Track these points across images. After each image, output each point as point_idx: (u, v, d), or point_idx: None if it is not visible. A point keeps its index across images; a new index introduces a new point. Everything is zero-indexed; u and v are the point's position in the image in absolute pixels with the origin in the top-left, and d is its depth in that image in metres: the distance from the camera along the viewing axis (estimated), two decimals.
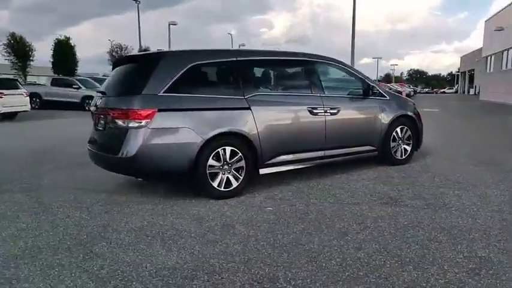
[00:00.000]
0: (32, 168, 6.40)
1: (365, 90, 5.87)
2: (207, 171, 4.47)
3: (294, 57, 5.49)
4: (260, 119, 4.76)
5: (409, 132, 6.34)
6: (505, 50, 27.77)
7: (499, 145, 8.57)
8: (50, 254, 3.19)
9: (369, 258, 3.08)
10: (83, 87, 20.66)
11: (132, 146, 4.19)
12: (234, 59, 4.84)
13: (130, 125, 4.21)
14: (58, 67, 34.99)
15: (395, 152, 6.22)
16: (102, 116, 4.69)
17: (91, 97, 20.18)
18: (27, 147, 8.62)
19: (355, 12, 25.87)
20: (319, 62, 5.59)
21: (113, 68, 5.22)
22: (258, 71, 5.24)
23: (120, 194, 4.86)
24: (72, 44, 37.32)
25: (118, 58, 4.96)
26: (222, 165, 4.56)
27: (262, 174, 4.94)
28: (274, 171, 5.04)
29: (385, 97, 6.10)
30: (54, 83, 21.53)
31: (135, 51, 44.46)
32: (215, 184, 4.53)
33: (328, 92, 5.51)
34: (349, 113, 5.63)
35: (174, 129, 4.34)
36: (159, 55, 4.50)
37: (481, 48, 36.52)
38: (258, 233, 3.58)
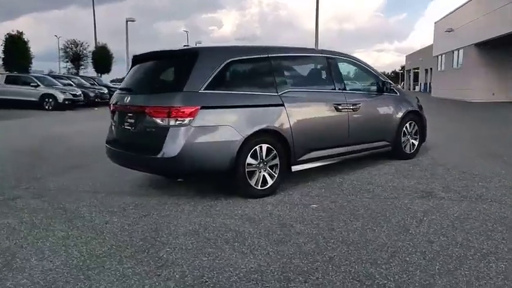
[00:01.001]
0: (28, 172, 5.93)
1: (380, 86, 5.94)
2: (246, 170, 4.33)
3: (319, 54, 5.46)
4: (292, 115, 4.68)
5: (416, 127, 6.49)
6: (456, 49, 29.27)
7: (481, 136, 8.99)
8: (116, 263, 2.94)
9: (447, 250, 3.09)
10: (42, 85, 19.53)
11: (175, 145, 3.97)
12: (266, 55, 4.72)
13: (172, 123, 3.98)
14: (10, 64, 32.73)
15: (405, 146, 6.35)
16: (130, 114, 4.42)
17: (52, 96, 19.20)
18: (8, 148, 8.01)
19: (318, 12, 26.27)
20: (339, 59, 5.59)
21: (133, 64, 4.93)
22: (288, 68, 5.14)
23: (143, 196, 4.61)
24: (26, 40, 35.06)
25: (142, 54, 4.58)
26: (259, 164, 4.44)
27: (292, 172, 4.86)
28: (305, 168, 4.98)
29: (396, 93, 6.21)
30: (9, 80, 20.18)
31: (91, 47, 42.64)
32: (252, 183, 4.40)
33: (348, 88, 5.53)
34: (368, 109, 5.67)
35: (216, 127, 4.16)
36: (197, 51, 4.28)
37: (425, 47, 38.30)
38: (321, 231, 3.49)
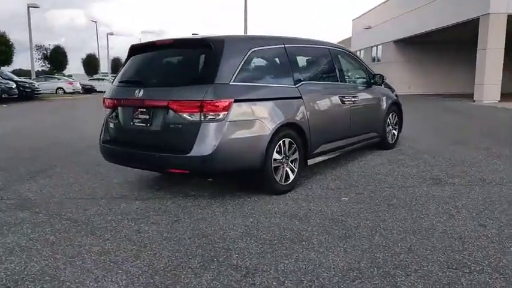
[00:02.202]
0: (13, 174, 5.14)
1: (370, 78, 6.04)
2: (272, 165, 4.13)
3: (324, 46, 5.38)
4: (309, 108, 4.57)
5: (396, 118, 6.73)
6: (374, 46, 31.18)
7: (429, 126, 9.63)
8: (193, 276, 2.60)
9: (503, 231, 3.19)
10: None
11: (209, 143, 3.64)
12: (282, 45, 4.53)
13: (204, 118, 3.65)
14: None
15: (388, 137, 6.55)
16: (143, 110, 3.98)
17: None
18: None
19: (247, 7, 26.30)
20: (339, 51, 5.58)
21: (132, 54, 4.44)
22: (301, 59, 4.98)
23: (152, 199, 4.20)
24: None
25: (145, 43, 4.08)
26: (282, 158, 4.26)
27: (308, 166, 4.76)
28: (318, 161, 4.90)
29: (381, 85, 6.36)
30: None
31: None
32: (278, 178, 4.22)
33: (348, 81, 5.56)
34: (363, 101, 5.73)
35: (247, 122, 3.89)
36: (223, 39, 3.94)
37: (343, 40, 40.34)
38: (375, 223, 3.42)
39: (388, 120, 6.46)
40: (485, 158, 5.86)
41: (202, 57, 3.95)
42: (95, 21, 59.34)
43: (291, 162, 4.39)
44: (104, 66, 59.14)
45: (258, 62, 4.27)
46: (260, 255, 2.87)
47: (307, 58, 5.20)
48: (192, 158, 3.65)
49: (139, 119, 4.03)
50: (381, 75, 6.03)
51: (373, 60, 31.61)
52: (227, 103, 3.69)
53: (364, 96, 5.79)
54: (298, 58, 4.82)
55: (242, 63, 3.93)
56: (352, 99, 5.38)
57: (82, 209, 3.95)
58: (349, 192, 4.32)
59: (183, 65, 4.18)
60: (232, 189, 4.42)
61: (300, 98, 4.45)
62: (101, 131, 4.57)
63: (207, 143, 3.64)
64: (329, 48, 5.38)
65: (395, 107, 6.66)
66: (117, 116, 4.29)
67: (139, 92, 3.98)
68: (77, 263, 2.81)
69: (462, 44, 23.18)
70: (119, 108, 4.25)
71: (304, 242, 3.07)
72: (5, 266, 2.78)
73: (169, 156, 3.79)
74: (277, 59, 4.52)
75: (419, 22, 22.10)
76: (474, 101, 17.41)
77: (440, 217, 3.53)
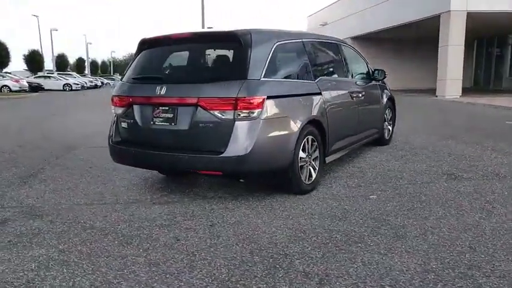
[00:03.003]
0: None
1: (370, 74, 6.02)
2: (299, 164, 4.00)
3: (334, 41, 5.28)
4: (327, 104, 4.47)
5: (391, 113, 6.78)
6: None
7: (408, 119, 9.86)
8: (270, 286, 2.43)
9: None
10: None
11: (244, 142, 3.44)
12: (300, 40, 4.39)
13: (239, 116, 3.45)
14: None
15: (385, 133, 6.60)
16: (165, 108, 3.71)
17: None
18: None
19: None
20: (346, 46, 5.52)
21: (143, 48, 4.14)
22: (317, 54, 4.84)
23: (172, 203, 3.95)
24: None
25: (159, 37, 3.78)
26: (306, 157, 4.14)
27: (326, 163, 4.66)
28: (333, 159, 4.82)
29: (379, 81, 6.37)
30: None
31: None
32: (303, 178, 4.09)
33: (354, 76, 5.51)
34: (367, 97, 5.70)
35: (279, 120, 3.73)
36: (249, 32, 3.73)
37: None
38: (421, 221, 3.36)
39: (385, 116, 6.50)
40: (483, 152, 6.02)
41: (230, 51, 3.75)
42: (36, 16, 55.73)
43: (313, 160, 4.27)
44: (49, 64, 56.31)
45: (281, 56, 4.10)
46: (323, 259, 2.73)
47: (321, 53, 5.09)
48: (227, 159, 3.45)
49: (160, 118, 3.75)
50: (382, 70, 6.03)
51: None
52: (261, 100, 3.51)
53: (367, 91, 5.77)
54: (315, 53, 4.70)
55: (269, 57, 3.76)
56: (359, 95, 5.35)
57: (101, 216, 3.65)
58: (373, 190, 4.27)
59: (209, 59, 3.95)
60: (251, 190, 4.24)
61: (320, 93, 4.34)
62: (110, 132, 4.25)
63: (242, 143, 3.45)
64: (337, 43, 5.31)
65: (391, 102, 6.71)
66: (131, 115, 3.98)
67: (161, 89, 3.70)
68: (129, 276, 2.56)
69: (421, 41, 24.06)
70: (134, 106, 3.94)
71: (360, 244, 2.96)
72: (49, 282, 2.48)
73: (200, 157, 3.56)
74: (297, 54, 4.38)
75: (379, 19, 22.68)
76: (437, 96, 18.10)
77: (480, 213, 3.54)
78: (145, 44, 4.18)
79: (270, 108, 3.60)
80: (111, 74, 76.05)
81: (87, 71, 69.52)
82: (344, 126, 4.93)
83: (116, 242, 3.07)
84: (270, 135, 3.61)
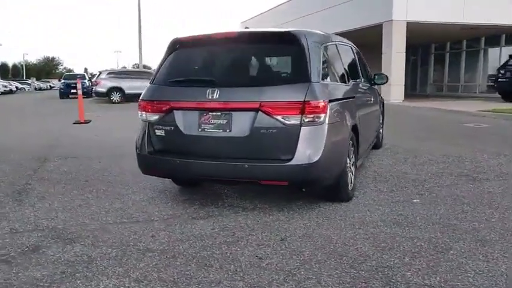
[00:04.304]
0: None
1: (371, 78, 6.07)
2: (346, 170, 3.88)
3: (350, 44, 5.21)
4: (358, 108, 4.41)
5: (381, 117, 6.91)
6: None
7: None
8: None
9: None
10: None
11: (313, 148, 3.25)
12: (334, 42, 4.27)
13: (305, 121, 3.24)
14: None
15: (380, 136, 6.70)
16: (218, 114, 3.40)
17: None
18: None
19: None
20: (357, 50, 5.48)
21: (179, 48, 3.77)
22: (344, 57, 4.73)
23: (199, 219, 3.66)
24: None
25: (209, 35, 3.40)
26: (349, 162, 4.04)
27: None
28: (359, 164, 4.75)
29: (375, 86, 6.45)
30: None
31: None
32: (348, 184, 3.98)
33: (364, 80, 5.51)
34: (373, 101, 5.74)
35: (337, 124, 3.57)
36: (304, 33, 3.51)
37: None
38: (485, 225, 3.37)
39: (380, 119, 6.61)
40: (475, 154, 6.29)
41: (286, 52, 3.53)
42: None
43: (352, 165, 4.18)
44: None
45: (327, 58, 3.95)
46: (432, 270, 2.62)
47: (346, 56, 5.01)
48: (295, 167, 3.22)
49: (211, 124, 3.43)
50: (385, 75, 6.11)
51: None
52: (325, 104, 3.34)
53: (373, 95, 5.81)
54: (343, 56, 4.62)
55: (321, 59, 3.61)
56: (371, 99, 5.38)
57: (148, 236, 3.25)
58: (410, 194, 4.26)
59: (265, 61, 3.69)
60: (288, 199, 4.02)
61: (354, 97, 4.27)
62: (141, 141, 3.81)
63: (310, 149, 3.25)
64: (351, 46, 5.27)
65: (382, 106, 6.84)
66: (171, 122, 3.59)
67: (213, 93, 3.38)
68: None
69: (362, 48, 25.05)
70: (176, 112, 3.56)
71: (452, 251, 2.89)
72: None
73: (263, 165, 3.29)
74: (336, 56, 4.26)
75: (321, 26, 23.32)
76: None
77: None
78: (177, 44, 3.81)
79: (331, 112, 3.44)
80: (24, 78, 70.40)
81: None
82: (366, 130, 4.90)
83: (194, 266, 2.73)
84: (333, 140, 3.45)
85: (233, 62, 3.78)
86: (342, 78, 4.21)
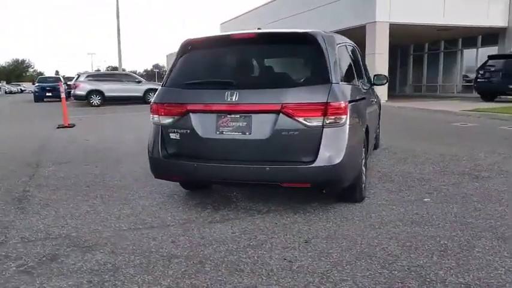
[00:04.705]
0: None
1: (370, 78, 6.10)
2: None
3: (354, 45, 5.22)
4: (367, 110, 4.43)
5: (379, 117, 6.97)
6: None
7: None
8: None
9: None
10: None
11: (336, 150, 3.23)
12: (344, 43, 4.27)
13: (327, 122, 3.22)
14: None
15: (378, 136, 6.76)
16: (237, 116, 3.35)
17: None
18: None
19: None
20: (358, 50, 5.50)
21: (192, 49, 3.70)
22: (353, 58, 4.72)
23: (215, 223, 3.61)
24: None
25: (224, 36, 3.33)
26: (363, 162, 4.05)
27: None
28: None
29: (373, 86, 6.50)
30: None
31: None
32: (362, 184, 3.99)
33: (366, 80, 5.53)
34: (374, 102, 5.78)
35: (355, 125, 3.56)
36: (319, 33, 3.50)
37: None
38: (501, 223, 3.44)
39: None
40: (470, 152, 6.41)
41: (305, 53, 3.52)
42: None
43: (364, 166, 4.19)
44: None
45: (341, 59, 3.94)
46: (464, 268, 2.64)
47: (354, 57, 5.02)
48: (318, 169, 3.21)
49: (230, 127, 3.38)
50: (384, 76, 6.15)
51: None
52: (346, 105, 3.33)
53: (374, 96, 5.86)
54: (351, 57, 4.63)
55: (337, 59, 3.60)
56: (375, 100, 5.41)
57: (168, 242, 3.19)
58: (419, 193, 4.30)
59: (282, 62, 3.65)
60: (301, 201, 4.01)
61: (365, 98, 4.29)
62: (153, 144, 3.72)
63: (333, 151, 3.24)
64: (354, 47, 5.29)
65: (379, 107, 6.90)
66: (187, 125, 3.52)
67: (232, 95, 3.33)
68: None
69: None
70: (192, 115, 3.50)
71: (477, 249, 2.93)
72: None
73: (285, 168, 3.26)
74: (347, 57, 4.26)
75: (306, 27, 23.39)
76: None
77: None
78: (189, 46, 3.74)
79: (351, 113, 3.44)
80: None
81: None
82: (372, 130, 4.93)
83: (224, 271, 2.68)
84: (353, 141, 3.45)
85: (250, 64, 3.75)
86: (353, 79, 4.21)
